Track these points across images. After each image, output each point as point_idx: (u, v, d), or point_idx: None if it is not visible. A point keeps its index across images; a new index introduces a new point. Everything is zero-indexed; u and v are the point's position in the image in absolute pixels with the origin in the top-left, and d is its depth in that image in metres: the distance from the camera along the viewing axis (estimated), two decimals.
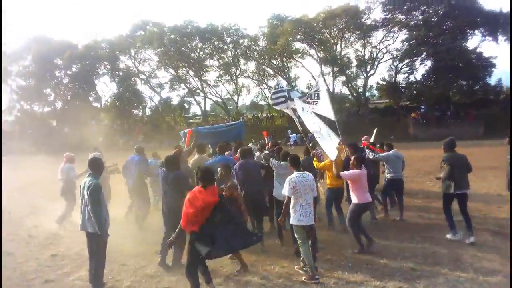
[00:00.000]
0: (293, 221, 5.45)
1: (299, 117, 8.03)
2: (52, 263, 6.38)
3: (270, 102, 9.37)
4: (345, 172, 6.59)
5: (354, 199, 6.45)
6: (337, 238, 7.21)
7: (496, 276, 5.26)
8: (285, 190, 5.45)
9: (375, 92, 48.01)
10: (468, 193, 6.99)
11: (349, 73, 43.26)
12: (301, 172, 5.55)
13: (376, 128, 10.91)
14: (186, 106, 49.61)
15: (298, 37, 42.11)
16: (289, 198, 5.42)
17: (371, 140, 10.14)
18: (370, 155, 8.34)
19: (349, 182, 6.69)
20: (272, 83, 47.48)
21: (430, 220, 8.24)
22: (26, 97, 45.23)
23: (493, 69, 38.21)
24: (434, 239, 6.94)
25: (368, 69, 42.74)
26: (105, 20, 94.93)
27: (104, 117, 48.87)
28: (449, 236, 6.93)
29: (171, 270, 5.73)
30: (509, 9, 35.99)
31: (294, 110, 8.38)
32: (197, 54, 46.07)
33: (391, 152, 8.71)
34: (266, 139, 11.05)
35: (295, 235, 5.55)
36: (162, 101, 47.68)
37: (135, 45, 45.02)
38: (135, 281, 5.52)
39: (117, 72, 46.13)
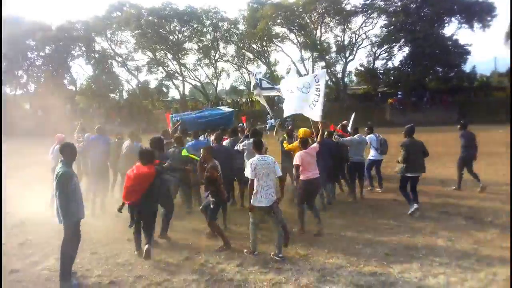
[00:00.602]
0: (253, 201, 5.61)
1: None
2: (19, 251, 6.13)
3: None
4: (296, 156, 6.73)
5: (301, 177, 6.61)
6: (313, 223, 7.18)
7: (469, 260, 5.34)
8: (247, 173, 5.76)
9: (354, 78, 48.38)
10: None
11: (329, 58, 43.26)
12: (262, 155, 5.72)
13: (354, 113, 11.06)
14: (164, 90, 48.83)
15: (278, 21, 41.70)
16: (252, 180, 5.59)
17: (350, 124, 10.38)
18: (336, 138, 8.80)
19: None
20: (251, 67, 47.09)
21: (406, 205, 8.30)
22: None
23: (468, 57, 38.94)
24: (409, 224, 7.02)
25: (347, 55, 42.83)
26: (80, 0, 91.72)
27: (80, 101, 47.58)
28: (410, 211, 7.53)
29: (142, 258, 5.58)
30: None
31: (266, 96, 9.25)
32: (176, 36, 45.10)
33: (355, 136, 9.11)
34: (244, 124, 10.92)
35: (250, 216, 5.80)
36: (139, 85, 46.68)
37: (112, 27, 43.69)
38: (106, 270, 5.35)
39: (92, 54, 44.71)
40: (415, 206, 7.53)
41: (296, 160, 6.59)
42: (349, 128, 10.17)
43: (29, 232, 7.14)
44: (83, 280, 5.05)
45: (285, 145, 8.11)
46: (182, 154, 5.82)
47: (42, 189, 11.01)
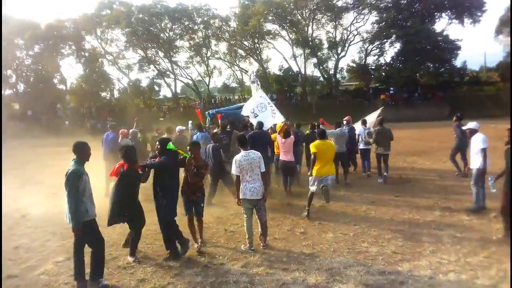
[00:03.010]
0: (240, 195, 5.80)
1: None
2: (15, 256, 5.92)
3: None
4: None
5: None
6: (315, 222, 7.10)
7: (477, 256, 5.27)
8: (233, 170, 5.88)
9: (346, 74, 48.46)
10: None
11: (321, 55, 43.34)
12: (246, 151, 5.85)
13: (382, 108, 13.34)
14: (156, 88, 48.53)
15: (270, 18, 41.67)
16: (238, 176, 5.78)
17: (372, 118, 12.10)
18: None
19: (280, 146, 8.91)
20: (244, 64, 46.96)
21: (405, 202, 8.27)
22: None
23: (458, 52, 39.26)
24: (413, 220, 6.95)
25: (339, 51, 42.94)
26: None
27: (70, 100, 46.91)
28: (379, 180, 10.23)
29: (144, 261, 5.44)
30: None
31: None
32: (167, 34, 44.78)
33: (337, 129, 10.25)
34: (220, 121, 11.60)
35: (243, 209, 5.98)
36: (130, 83, 46.22)
37: (101, 25, 43.20)
38: (107, 273, 5.17)
39: (82, 53, 44.12)
40: (381, 178, 10.20)
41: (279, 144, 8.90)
42: (368, 122, 11.57)
43: (24, 235, 6.94)
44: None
45: (273, 136, 9.47)
46: (167, 148, 5.57)
47: (35, 190, 10.83)
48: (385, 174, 10.16)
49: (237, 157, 5.81)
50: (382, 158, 10.15)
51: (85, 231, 4.66)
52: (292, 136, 8.93)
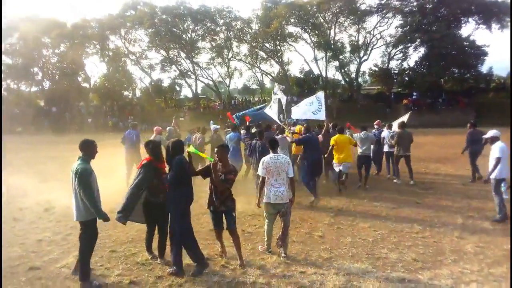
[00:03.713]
0: (264, 198, 5.63)
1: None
2: (38, 248, 6.06)
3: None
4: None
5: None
6: (334, 225, 7.03)
7: (501, 267, 5.11)
8: (259, 171, 5.76)
9: (368, 78, 47.85)
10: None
11: (343, 58, 42.94)
12: (276, 154, 5.76)
13: (409, 112, 13.62)
14: (177, 88, 48.94)
15: (292, 20, 41.55)
16: (263, 177, 5.62)
17: (399, 122, 11.81)
18: (347, 134, 10.33)
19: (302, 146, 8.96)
20: (264, 66, 46.98)
21: (427, 208, 8.10)
22: (13, 76, 43.94)
23: (485, 58, 38.23)
24: (434, 228, 6.79)
25: (361, 55, 42.43)
26: None
27: (93, 98, 47.90)
28: (395, 180, 10.80)
29: (163, 258, 5.48)
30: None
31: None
32: (189, 35, 45.20)
33: (362, 133, 10.40)
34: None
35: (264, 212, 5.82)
36: (152, 83, 46.84)
37: (126, 25, 43.92)
38: (126, 269, 5.24)
39: (106, 52, 44.99)
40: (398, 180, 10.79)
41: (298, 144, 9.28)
42: (395, 126, 11.62)
43: (46, 228, 7.10)
44: (103, 279, 4.94)
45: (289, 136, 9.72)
46: (188, 150, 5.42)
47: (57, 185, 11.07)
48: (411, 182, 10.51)
49: (265, 158, 5.70)
50: (405, 160, 10.66)
51: (93, 226, 4.81)
52: (320, 136, 9.61)
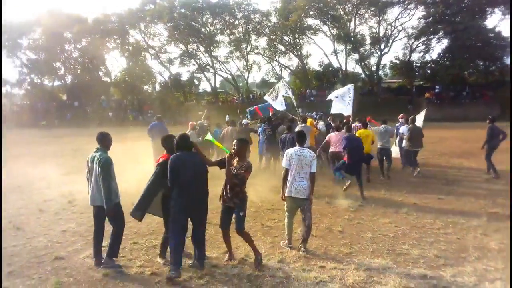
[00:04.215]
0: (286, 191, 5.58)
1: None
2: (62, 239, 6.23)
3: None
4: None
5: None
6: (354, 221, 6.97)
7: None
8: (283, 162, 5.76)
9: (388, 71, 47.06)
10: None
11: (363, 51, 42.39)
12: (301, 147, 5.70)
13: (425, 109, 13.24)
14: (196, 82, 49.28)
15: (311, 13, 41.18)
16: (286, 169, 5.59)
17: (421, 118, 12.10)
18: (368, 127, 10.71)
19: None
20: (283, 60, 46.70)
21: (449, 204, 7.94)
22: (37, 70, 45.06)
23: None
24: (457, 224, 6.66)
25: (382, 47, 41.75)
26: None
27: (114, 92, 48.69)
28: (415, 173, 10.59)
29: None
30: None
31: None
32: (208, 29, 45.35)
33: (381, 126, 10.79)
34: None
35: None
36: (171, 77, 47.26)
37: (145, 20, 44.37)
38: (147, 260, 5.33)
39: (126, 47, 45.61)
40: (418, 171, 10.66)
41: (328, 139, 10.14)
42: (421, 124, 11.66)
43: (70, 220, 7.28)
44: (126, 269, 5.03)
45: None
46: (206, 138, 5.41)
47: (80, 178, 11.31)
48: (418, 169, 10.71)
49: (290, 150, 5.67)
50: (414, 154, 10.82)
51: (116, 210, 5.04)
52: (343, 130, 9.83)
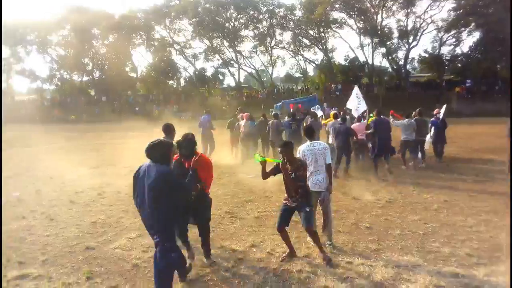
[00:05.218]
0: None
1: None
2: (93, 230, 6.40)
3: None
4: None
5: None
6: (381, 217, 6.85)
7: None
8: None
9: (417, 65, 45.88)
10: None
11: (390, 44, 41.46)
12: (312, 142, 5.69)
13: (445, 105, 12.85)
14: (220, 77, 49.49)
15: (337, 6, 40.54)
16: None
17: (442, 113, 12.24)
18: (391, 120, 11.32)
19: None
20: (308, 54, 46.29)
21: (481, 202, 7.69)
22: (66, 66, 46.31)
23: None
24: (490, 222, 6.45)
25: (410, 41, 40.68)
26: None
27: (140, 87, 49.51)
28: (420, 165, 11.31)
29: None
30: None
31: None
32: (232, 24, 45.39)
33: (405, 120, 11.14)
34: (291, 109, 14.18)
35: None
36: (196, 72, 47.62)
37: (170, 15, 44.80)
38: None
39: (152, 43, 46.24)
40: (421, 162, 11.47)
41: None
42: (441, 116, 12.09)
43: (100, 211, 7.45)
44: (136, 260, 5.11)
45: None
46: (257, 160, 5.03)
47: (109, 171, 11.59)
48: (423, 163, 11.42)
49: (302, 147, 5.66)
50: (420, 145, 11.40)
51: None
52: (365, 121, 11.10)
